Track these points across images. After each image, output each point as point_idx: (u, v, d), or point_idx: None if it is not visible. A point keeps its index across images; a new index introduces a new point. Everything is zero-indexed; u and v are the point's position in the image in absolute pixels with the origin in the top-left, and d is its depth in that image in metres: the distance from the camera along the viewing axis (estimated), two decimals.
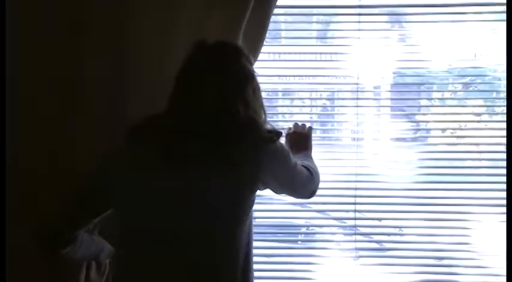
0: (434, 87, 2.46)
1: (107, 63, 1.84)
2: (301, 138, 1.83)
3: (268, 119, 1.59)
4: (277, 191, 1.60)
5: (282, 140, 1.58)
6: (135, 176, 1.44)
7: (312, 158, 1.77)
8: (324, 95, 2.51)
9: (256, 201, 1.51)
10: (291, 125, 1.90)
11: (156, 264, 1.42)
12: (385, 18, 2.40)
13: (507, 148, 1.79)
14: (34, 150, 1.86)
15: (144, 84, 1.84)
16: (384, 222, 2.40)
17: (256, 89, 1.51)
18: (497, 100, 2.36)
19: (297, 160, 1.63)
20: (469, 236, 2.30)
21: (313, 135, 1.88)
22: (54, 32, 1.85)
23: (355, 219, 2.30)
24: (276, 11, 1.99)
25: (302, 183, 1.61)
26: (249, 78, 1.49)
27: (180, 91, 1.47)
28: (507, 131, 1.90)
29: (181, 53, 1.53)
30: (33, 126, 1.86)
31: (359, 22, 2.25)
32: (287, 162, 1.53)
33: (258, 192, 1.51)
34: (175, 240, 1.42)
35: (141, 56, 1.84)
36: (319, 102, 2.51)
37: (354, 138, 2.34)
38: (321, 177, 1.71)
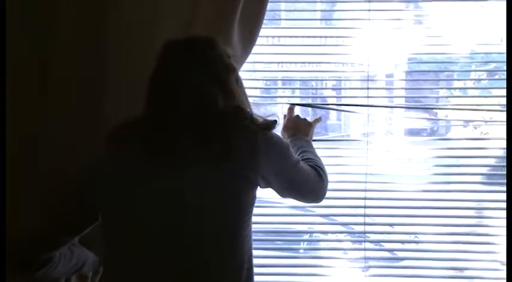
0: (455, 75, 2.41)
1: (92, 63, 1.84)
2: (302, 122, 1.85)
3: (266, 111, 1.56)
4: (282, 192, 1.55)
5: (279, 132, 1.56)
6: (128, 183, 1.42)
7: (313, 147, 1.76)
8: (330, 84, 2.48)
9: None
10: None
11: (158, 272, 1.39)
12: None
13: (507, 148, 1.74)
14: (31, 150, 1.84)
15: (133, 86, 1.78)
16: (396, 228, 2.32)
17: (239, 81, 1.52)
18: None
19: (298, 149, 1.65)
20: (494, 244, 2.19)
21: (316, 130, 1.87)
22: (52, 33, 1.84)
23: (364, 224, 2.22)
24: None
25: (309, 184, 1.57)
26: (229, 68, 1.48)
27: (158, 93, 1.46)
28: (507, 131, 1.82)
29: None
30: (29, 126, 1.85)
31: (369, 1, 2.15)
32: (287, 155, 1.50)
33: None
34: (176, 244, 1.39)
35: (127, 56, 1.82)
36: (324, 93, 2.47)
37: (364, 134, 2.27)
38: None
